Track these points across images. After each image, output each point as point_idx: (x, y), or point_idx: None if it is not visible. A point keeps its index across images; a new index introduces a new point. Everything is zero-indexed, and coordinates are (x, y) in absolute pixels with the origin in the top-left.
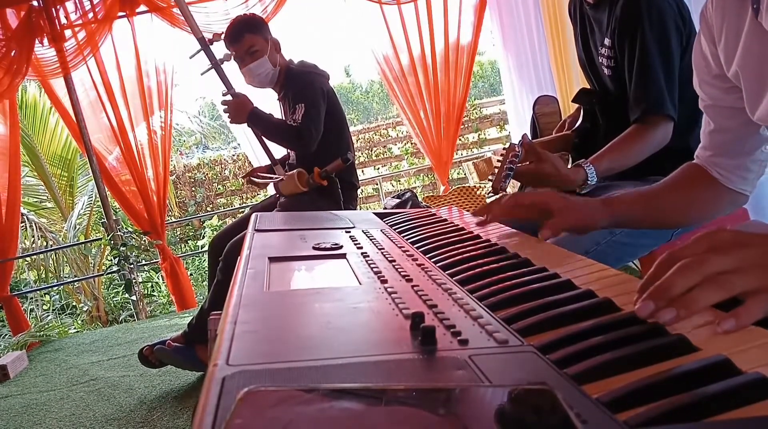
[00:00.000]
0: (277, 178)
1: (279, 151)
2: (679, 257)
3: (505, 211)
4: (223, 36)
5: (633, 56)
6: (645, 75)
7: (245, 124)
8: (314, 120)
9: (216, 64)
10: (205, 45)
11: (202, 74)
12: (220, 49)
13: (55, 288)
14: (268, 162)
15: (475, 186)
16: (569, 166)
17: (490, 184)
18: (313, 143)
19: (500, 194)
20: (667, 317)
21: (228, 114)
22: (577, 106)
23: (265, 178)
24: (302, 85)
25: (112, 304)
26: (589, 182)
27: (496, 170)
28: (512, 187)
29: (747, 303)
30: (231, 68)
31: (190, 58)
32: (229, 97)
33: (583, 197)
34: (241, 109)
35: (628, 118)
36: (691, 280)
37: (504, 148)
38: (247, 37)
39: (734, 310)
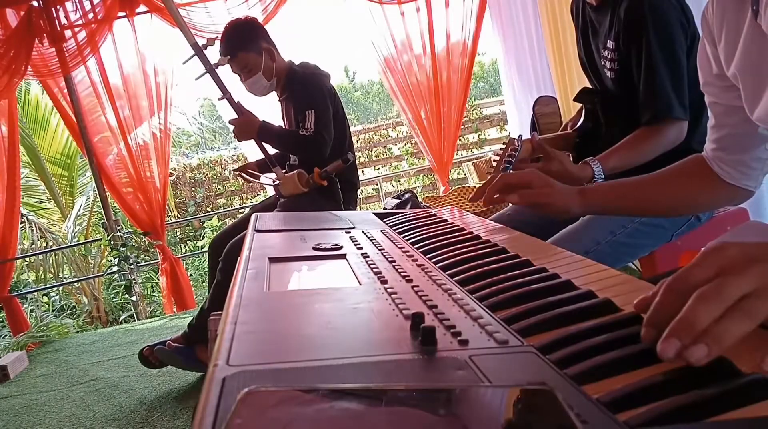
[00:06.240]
0: (267, 177)
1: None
2: (688, 281)
3: (496, 191)
4: (218, 44)
5: (639, 61)
6: (651, 80)
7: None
8: (326, 125)
9: (210, 69)
10: (199, 50)
11: (196, 79)
12: (215, 51)
13: (55, 288)
14: (261, 156)
15: (475, 186)
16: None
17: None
18: (327, 149)
19: None
20: (699, 354)
21: (235, 133)
22: (579, 107)
23: (254, 175)
24: (307, 88)
25: (112, 305)
26: (595, 179)
27: (495, 164)
28: None
29: None
30: (227, 71)
31: (183, 63)
32: (234, 117)
33: (566, 185)
34: (248, 127)
35: (630, 118)
36: (715, 310)
37: (504, 143)
38: (240, 56)
39: None
